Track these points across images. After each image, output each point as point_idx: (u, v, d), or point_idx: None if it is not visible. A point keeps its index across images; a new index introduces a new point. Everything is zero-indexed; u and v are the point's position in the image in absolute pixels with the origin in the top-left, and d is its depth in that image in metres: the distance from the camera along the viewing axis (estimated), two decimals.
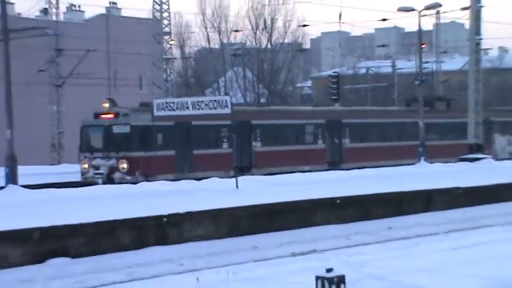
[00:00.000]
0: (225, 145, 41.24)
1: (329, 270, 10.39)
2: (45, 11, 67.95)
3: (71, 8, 76.92)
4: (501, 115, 57.81)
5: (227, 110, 29.48)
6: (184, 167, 38.89)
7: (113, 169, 36.75)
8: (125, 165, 36.61)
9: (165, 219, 20.08)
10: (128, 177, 35.75)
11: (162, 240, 19.62)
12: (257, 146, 43.54)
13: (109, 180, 35.73)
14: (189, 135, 40.10)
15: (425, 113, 48.18)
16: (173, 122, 37.88)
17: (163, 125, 37.98)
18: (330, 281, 10.21)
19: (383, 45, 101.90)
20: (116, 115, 38.32)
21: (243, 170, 37.90)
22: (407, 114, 51.20)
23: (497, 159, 47.07)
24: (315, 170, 39.06)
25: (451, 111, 54.98)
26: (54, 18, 67.41)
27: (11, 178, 27.69)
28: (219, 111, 29.99)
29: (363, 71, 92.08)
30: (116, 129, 38.47)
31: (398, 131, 50.67)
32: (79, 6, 77.98)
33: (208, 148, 40.92)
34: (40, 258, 17.34)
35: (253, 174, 36.82)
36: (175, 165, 38.82)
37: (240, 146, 40.61)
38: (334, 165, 45.12)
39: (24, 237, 17.52)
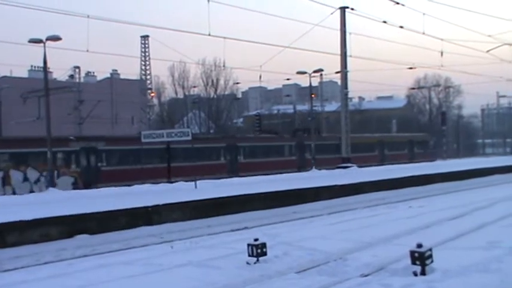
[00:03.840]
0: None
1: (256, 239, 10.53)
2: (71, 76, 69.46)
3: (88, 74, 77.12)
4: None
5: (189, 138, 29.38)
6: None
7: None
8: None
9: (150, 208, 19.97)
10: None
11: (149, 222, 19.43)
12: None
13: None
14: None
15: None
16: None
17: None
18: (256, 246, 10.35)
19: (288, 95, 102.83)
20: None
21: None
22: None
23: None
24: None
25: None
26: (77, 80, 67.77)
27: (51, 184, 27.20)
28: (184, 138, 29.80)
29: (275, 112, 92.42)
30: None
31: None
32: (93, 72, 78.31)
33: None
34: (70, 235, 17.13)
35: None
36: None
37: None
38: None
39: (60, 221, 17.28)
